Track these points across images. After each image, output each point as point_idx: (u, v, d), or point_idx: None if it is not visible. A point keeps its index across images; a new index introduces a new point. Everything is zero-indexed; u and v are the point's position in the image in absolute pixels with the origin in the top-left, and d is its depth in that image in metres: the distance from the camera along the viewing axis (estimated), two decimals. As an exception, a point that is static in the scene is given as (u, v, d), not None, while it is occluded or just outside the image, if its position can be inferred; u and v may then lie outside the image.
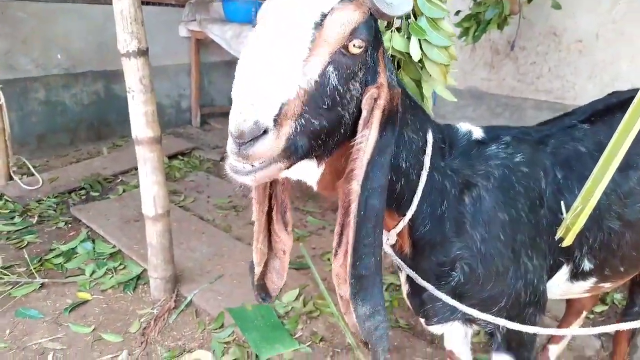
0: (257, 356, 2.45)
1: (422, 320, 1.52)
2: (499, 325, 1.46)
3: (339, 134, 1.02)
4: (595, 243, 1.49)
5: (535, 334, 1.54)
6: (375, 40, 1.04)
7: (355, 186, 1.01)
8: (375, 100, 1.02)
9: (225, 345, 2.53)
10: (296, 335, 2.59)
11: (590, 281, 1.59)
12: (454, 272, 1.32)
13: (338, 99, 0.96)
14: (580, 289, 1.63)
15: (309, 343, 2.54)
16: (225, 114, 5.56)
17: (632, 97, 1.73)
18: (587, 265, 1.53)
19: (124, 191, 4.16)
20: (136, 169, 2.69)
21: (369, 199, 1.03)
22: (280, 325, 2.64)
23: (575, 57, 4.13)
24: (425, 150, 1.21)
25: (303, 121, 0.91)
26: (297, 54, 0.90)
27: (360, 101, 1.03)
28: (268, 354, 2.43)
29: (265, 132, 0.86)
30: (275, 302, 2.82)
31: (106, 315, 2.75)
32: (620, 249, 1.53)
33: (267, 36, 0.90)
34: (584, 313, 2.32)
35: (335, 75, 0.94)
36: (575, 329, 1.23)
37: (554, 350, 2.38)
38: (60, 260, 3.18)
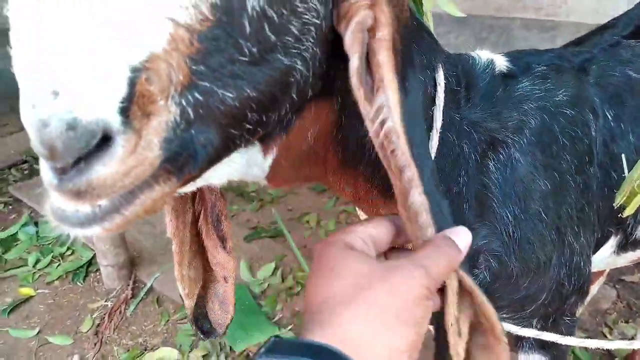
0: (231, 348, 2.10)
1: (432, 328, 1.15)
2: (531, 322, 1.10)
3: (290, 101, 0.55)
4: (653, 203, 1.11)
5: (574, 324, 1.20)
6: None
7: (418, 204, 0.56)
8: (371, 32, 0.53)
9: (194, 338, 2.16)
10: (275, 318, 2.23)
11: (641, 250, 1.23)
12: (476, 270, 0.93)
13: (272, 37, 0.49)
14: (626, 260, 1.28)
15: (291, 326, 2.19)
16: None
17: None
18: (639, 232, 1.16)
19: (69, 160, 3.66)
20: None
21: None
22: (257, 307, 2.28)
23: (568, -34, 3.65)
24: (434, 99, 0.78)
25: (198, 95, 0.45)
26: None
27: (327, 26, 0.54)
28: (244, 345, 2.08)
29: (106, 138, 0.41)
30: (249, 278, 2.45)
31: (53, 313, 2.36)
32: (682, 206, 1.16)
33: None
34: (607, 269, 1.99)
35: None
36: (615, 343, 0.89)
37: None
38: (-3, 250, 2.74)
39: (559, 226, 0.95)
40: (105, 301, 2.38)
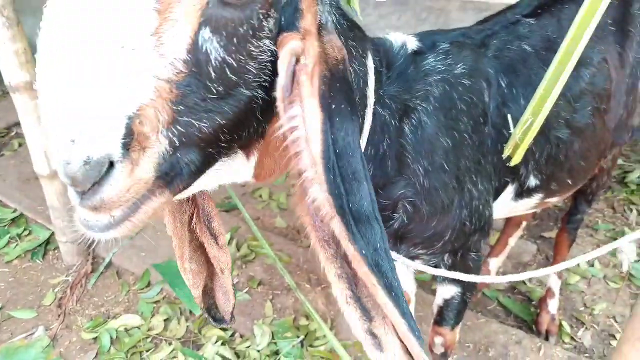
0: (191, 312, 2.26)
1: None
2: (443, 257, 1.33)
3: (256, 120, 0.71)
4: (542, 157, 1.36)
5: (479, 259, 1.44)
6: None
7: (324, 202, 0.67)
8: (298, 60, 0.67)
9: (155, 305, 2.31)
10: (232, 283, 2.40)
11: (536, 197, 1.48)
12: (395, 214, 1.14)
13: (234, 77, 0.64)
14: (526, 206, 1.53)
15: (247, 289, 2.37)
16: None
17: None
18: (532, 181, 1.40)
19: (20, 145, 3.66)
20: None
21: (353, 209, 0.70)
22: (214, 274, 2.44)
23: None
24: (367, 81, 0.96)
25: (180, 128, 0.61)
26: (138, 26, 0.57)
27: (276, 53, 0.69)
28: (203, 308, 2.25)
29: (112, 164, 0.58)
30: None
31: (14, 289, 2.44)
32: (568, 160, 1.41)
33: (73, 5, 0.55)
34: (524, 223, 2.28)
35: (218, 42, 0.62)
36: (525, 274, 1.11)
37: (494, 262, 2.36)
38: (-50, 234, 2.76)
39: (458, 175, 1.16)
40: (66, 276, 2.48)
